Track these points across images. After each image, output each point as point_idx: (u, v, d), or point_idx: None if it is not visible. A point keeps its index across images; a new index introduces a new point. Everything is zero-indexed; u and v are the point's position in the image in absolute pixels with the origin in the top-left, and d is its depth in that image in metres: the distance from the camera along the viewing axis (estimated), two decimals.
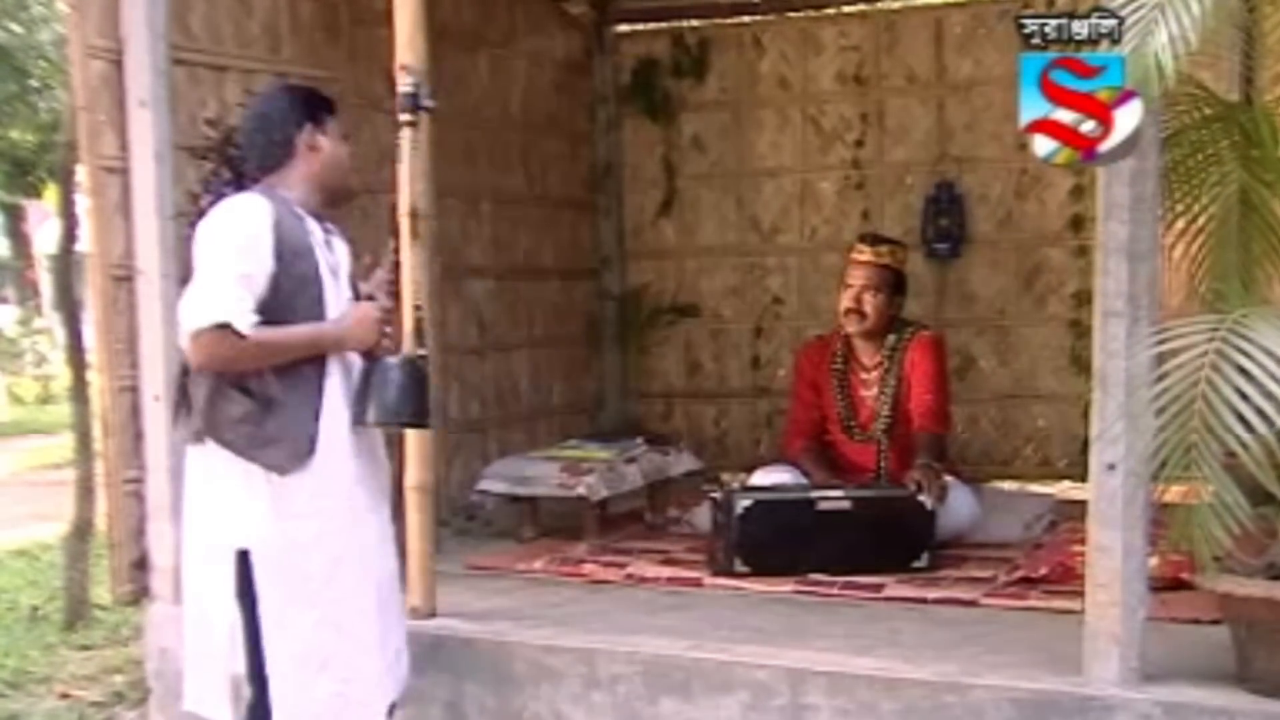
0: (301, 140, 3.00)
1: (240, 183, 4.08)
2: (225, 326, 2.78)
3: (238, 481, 2.87)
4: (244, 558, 2.86)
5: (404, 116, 3.38)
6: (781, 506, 4.50)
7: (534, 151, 6.40)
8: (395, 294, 3.11)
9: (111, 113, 4.06)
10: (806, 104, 6.63)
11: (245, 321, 2.79)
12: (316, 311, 2.95)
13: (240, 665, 2.91)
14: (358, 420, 2.95)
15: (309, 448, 2.90)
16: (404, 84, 3.39)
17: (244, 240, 2.85)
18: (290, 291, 2.88)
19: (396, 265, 3.15)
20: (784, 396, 6.03)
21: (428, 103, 3.40)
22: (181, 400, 2.96)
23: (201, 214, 4.08)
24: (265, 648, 2.88)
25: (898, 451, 4.90)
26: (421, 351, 3.07)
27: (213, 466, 2.90)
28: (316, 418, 2.93)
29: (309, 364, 2.92)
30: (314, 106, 3.06)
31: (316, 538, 2.90)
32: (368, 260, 3.13)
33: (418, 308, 3.15)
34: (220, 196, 4.08)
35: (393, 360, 3.01)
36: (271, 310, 2.85)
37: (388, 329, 3.05)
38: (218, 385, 2.86)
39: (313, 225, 2.98)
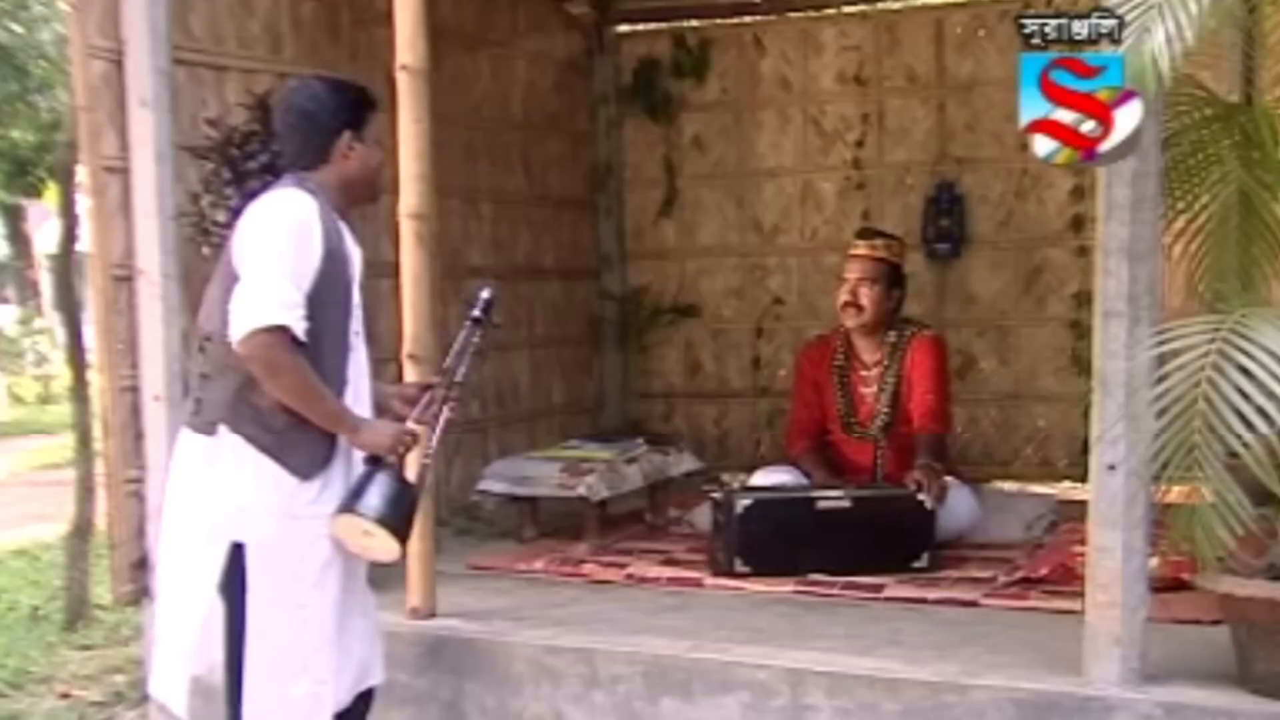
0: (339, 146, 2.96)
1: (242, 182, 4.11)
2: (281, 329, 2.76)
3: (245, 476, 2.86)
4: (238, 550, 2.85)
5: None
6: (781, 506, 4.50)
7: (535, 152, 6.40)
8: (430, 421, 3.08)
9: (112, 112, 4.06)
10: (807, 104, 6.63)
11: (300, 326, 2.78)
12: (344, 314, 2.94)
13: (217, 654, 2.91)
14: (345, 509, 2.87)
15: (329, 454, 2.91)
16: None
17: (298, 239, 2.82)
18: (325, 293, 2.86)
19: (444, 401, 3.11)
20: (785, 397, 6.04)
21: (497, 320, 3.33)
22: (197, 389, 2.94)
23: (202, 215, 4.14)
24: (246, 643, 2.88)
25: (896, 450, 4.90)
26: (415, 484, 3.01)
27: (219, 457, 2.88)
28: None
29: (333, 373, 2.91)
30: (358, 110, 3.01)
31: (313, 540, 2.90)
32: (417, 389, 3.17)
33: (427, 456, 3.11)
34: (221, 196, 4.12)
35: (390, 472, 2.93)
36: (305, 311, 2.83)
37: (401, 450, 2.98)
38: (247, 380, 2.83)
39: (343, 226, 2.97)
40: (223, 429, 2.87)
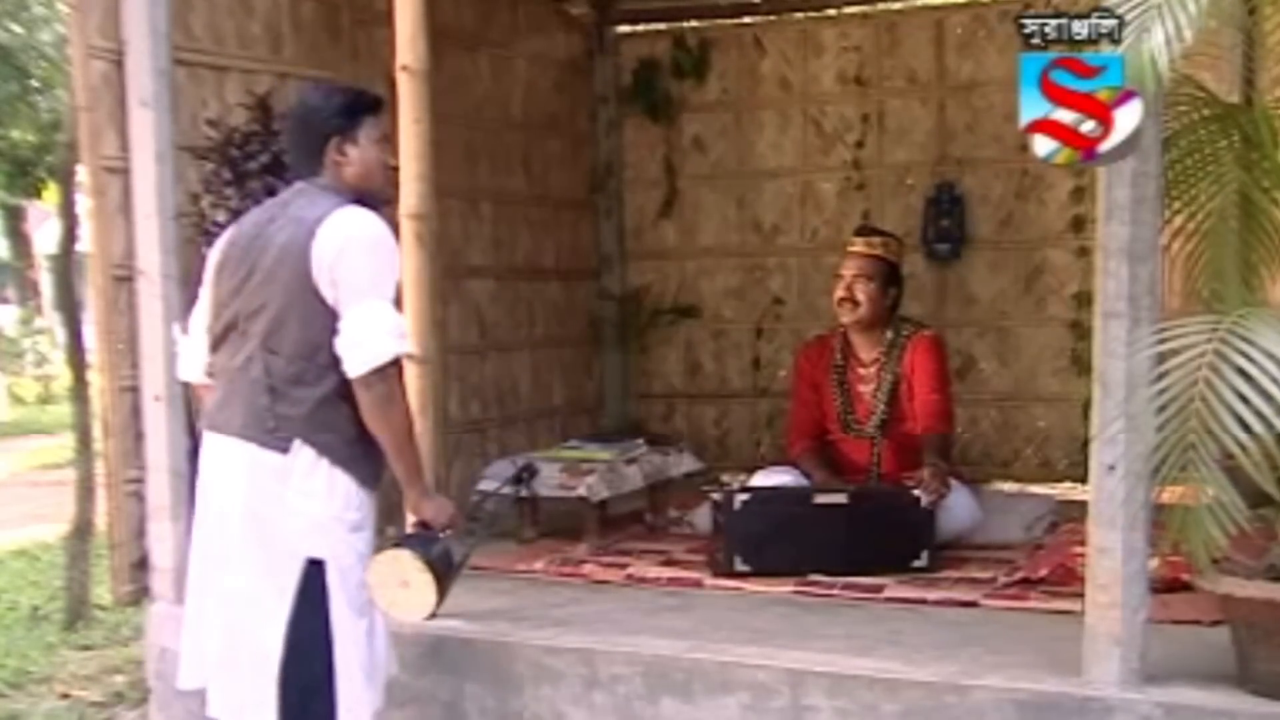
0: (329, 152, 2.99)
1: (242, 182, 4.12)
2: (398, 361, 2.84)
3: (318, 491, 2.88)
4: (317, 567, 2.87)
5: None
6: (780, 502, 4.51)
7: (535, 152, 6.41)
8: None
9: (113, 113, 4.07)
10: (807, 105, 6.63)
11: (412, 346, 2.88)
12: None
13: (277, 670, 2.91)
14: (399, 546, 2.99)
15: (383, 467, 2.97)
16: None
17: (389, 259, 2.90)
18: None
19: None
20: (785, 397, 6.04)
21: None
22: (265, 404, 2.90)
23: (202, 215, 4.14)
24: (337, 657, 2.89)
25: (894, 448, 4.91)
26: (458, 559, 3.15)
27: (292, 474, 2.87)
28: None
29: None
30: (346, 115, 3.01)
31: (365, 550, 2.97)
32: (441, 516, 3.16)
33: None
34: (221, 197, 4.13)
35: (445, 540, 3.05)
36: None
37: (449, 531, 3.08)
38: (328, 394, 2.86)
39: None
40: (296, 444, 2.87)
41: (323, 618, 2.88)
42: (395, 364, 2.84)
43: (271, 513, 2.89)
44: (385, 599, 2.90)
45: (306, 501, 2.87)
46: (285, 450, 2.87)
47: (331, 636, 2.89)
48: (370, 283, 2.85)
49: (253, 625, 2.92)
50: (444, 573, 2.94)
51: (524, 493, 3.51)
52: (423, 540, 2.95)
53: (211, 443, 2.99)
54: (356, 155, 3.00)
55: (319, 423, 2.85)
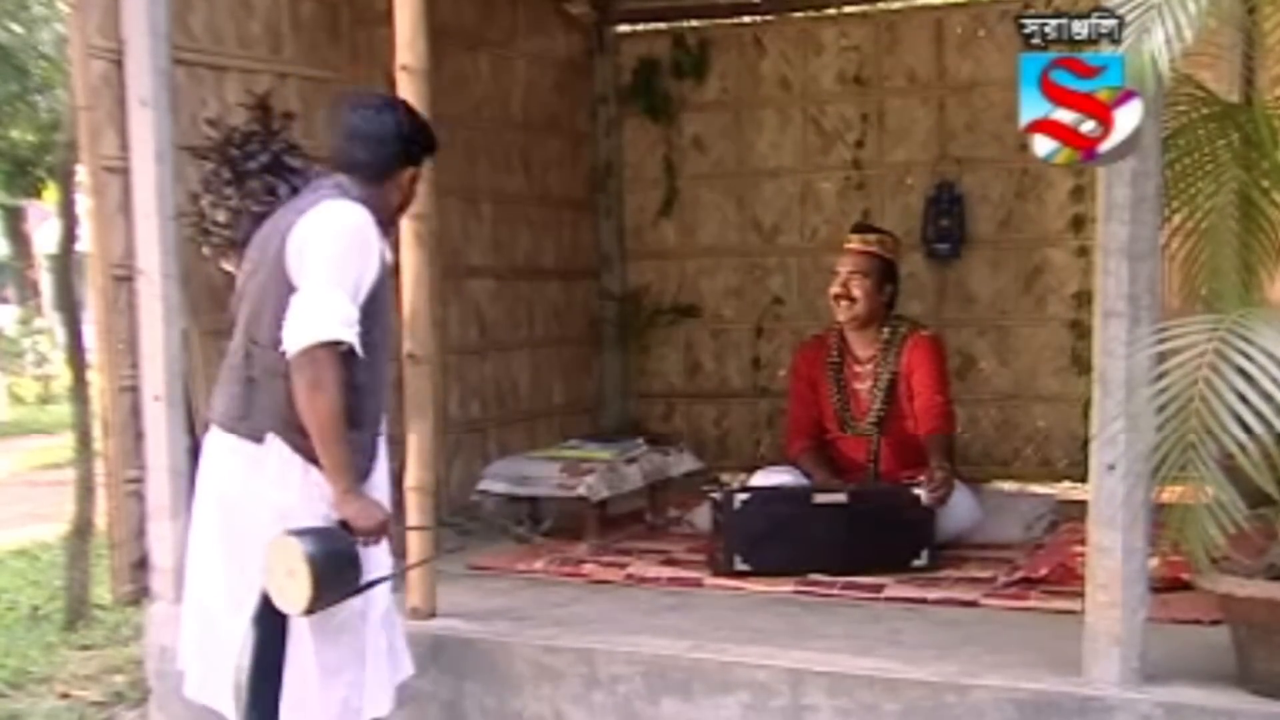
0: (400, 178, 3.05)
1: (242, 182, 4.11)
2: (335, 345, 2.78)
3: (291, 483, 2.88)
4: None
5: None
6: (779, 501, 4.51)
7: (535, 152, 6.41)
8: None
9: (112, 112, 4.07)
10: (807, 104, 6.63)
11: (357, 342, 2.81)
12: (383, 324, 2.99)
13: (246, 661, 2.92)
14: (292, 533, 2.80)
15: (368, 468, 2.96)
16: None
17: (360, 252, 2.86)
18: (380, 302, 2.92)
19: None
20: (784, 397, 6.02)
21: None
22: (243, 394, 2.93)
23: (202, 215, 4.14)
24: (288, 650, 2.89)
25: (892, 446, 4.91)
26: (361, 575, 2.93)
27: (265, 464, 2.89)
28: (377, 434, 2.99)
29: (383, 379, 2.97)
30: (425, 151, 3.12)
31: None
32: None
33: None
34: (221, 196, 4.13)
35: (353, 544, 2.88)
36: None
37: (374, 540, 2.94)
38: None
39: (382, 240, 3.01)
40: (270, 437, 2.88)
41: (279, 610, 2.86)
42: (327, 350, 2.76)
43: (243, 501, 2.91)
44: (274, 585, 2.80)
45: (278, 492, 2.87)
46: (259, 440, 2.89)
47: (285, 628, 2.89)
48: (325, 268, 2.81)
49: (222, 613, 2.96)
50: (326, 572, 2.76)
51: (537, 538, 3.66)
52: (321, 535, 2.81)
53: (208, 434, 3.04)
54: (409, 190, 3.08)
55: (294, 418, 2.83)
